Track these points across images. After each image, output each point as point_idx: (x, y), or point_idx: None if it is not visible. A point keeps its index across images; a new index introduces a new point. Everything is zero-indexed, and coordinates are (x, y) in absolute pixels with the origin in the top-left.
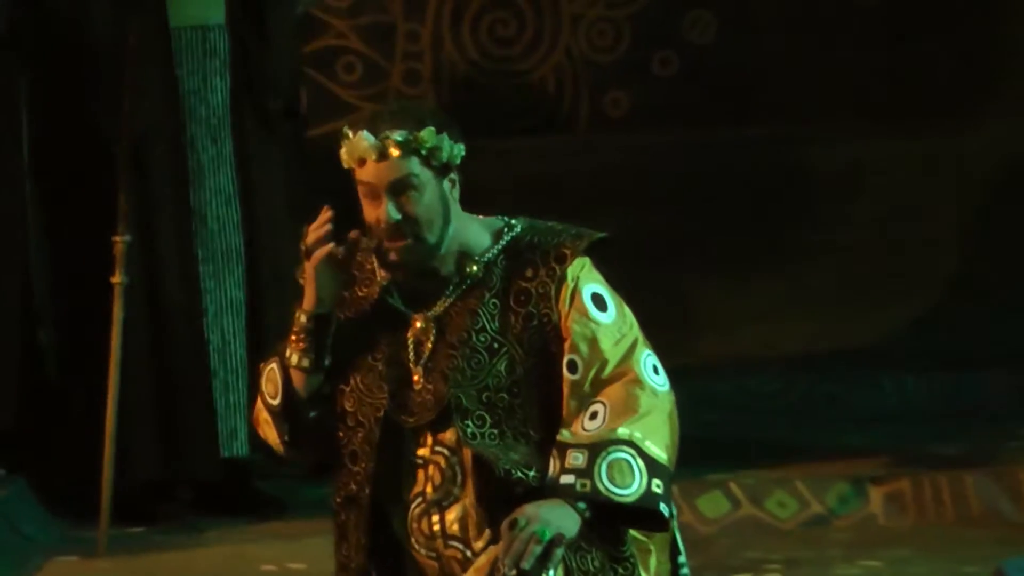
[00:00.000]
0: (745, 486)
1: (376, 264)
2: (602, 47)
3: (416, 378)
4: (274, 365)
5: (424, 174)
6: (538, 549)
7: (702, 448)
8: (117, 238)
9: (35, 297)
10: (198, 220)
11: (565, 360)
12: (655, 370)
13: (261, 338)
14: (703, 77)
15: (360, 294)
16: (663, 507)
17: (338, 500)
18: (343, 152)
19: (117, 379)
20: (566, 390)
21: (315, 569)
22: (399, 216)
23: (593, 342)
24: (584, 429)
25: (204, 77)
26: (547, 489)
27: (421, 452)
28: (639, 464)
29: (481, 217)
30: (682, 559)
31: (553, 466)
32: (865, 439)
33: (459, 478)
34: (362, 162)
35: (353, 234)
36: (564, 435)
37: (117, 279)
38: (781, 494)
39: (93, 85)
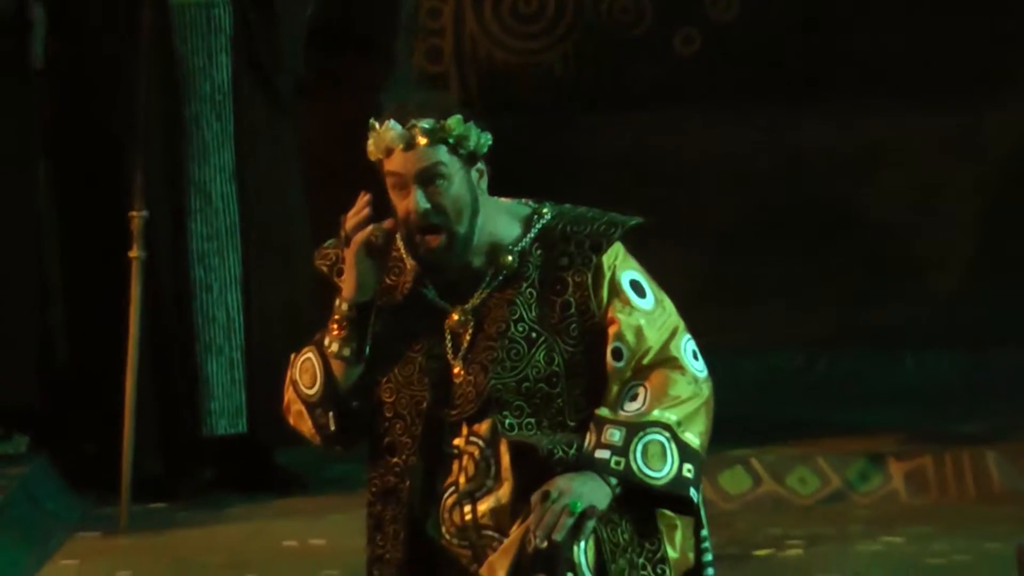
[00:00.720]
0: (767, 463)
1: (404, 252)
2: (624, 24)
3: (456, 371)
4: (310, 355)
5: (452, 163)
6: (570, 521)
7: (724, 425)
8: (134, 213)
9: (47, 274)
10: (202, 197)
11: (610, 348)
12: (695, 356)
13: (261, 316)
14: (726, 55)
15: (389, 282)
16: (692, 492)
17: (373, 491)
18: (370, 144)
19: (136, 354)
20: (609, 375)
21: (336, 545)
22: (428, 205)
23: (638, 330)
24: (623, 409)
25: (209, 54)
26: (581, 461)
27: (456, 443)
28: (673, 448)
29: (507, 201)
30: (704, 533)
31: (589, 439)
32: (886, 416)
33: (493, 470)
34: (389, 152)
35: (388, 222)
36: (603, 411)
37: (135, 254)
38: (803, 471)
39: (103, 65)
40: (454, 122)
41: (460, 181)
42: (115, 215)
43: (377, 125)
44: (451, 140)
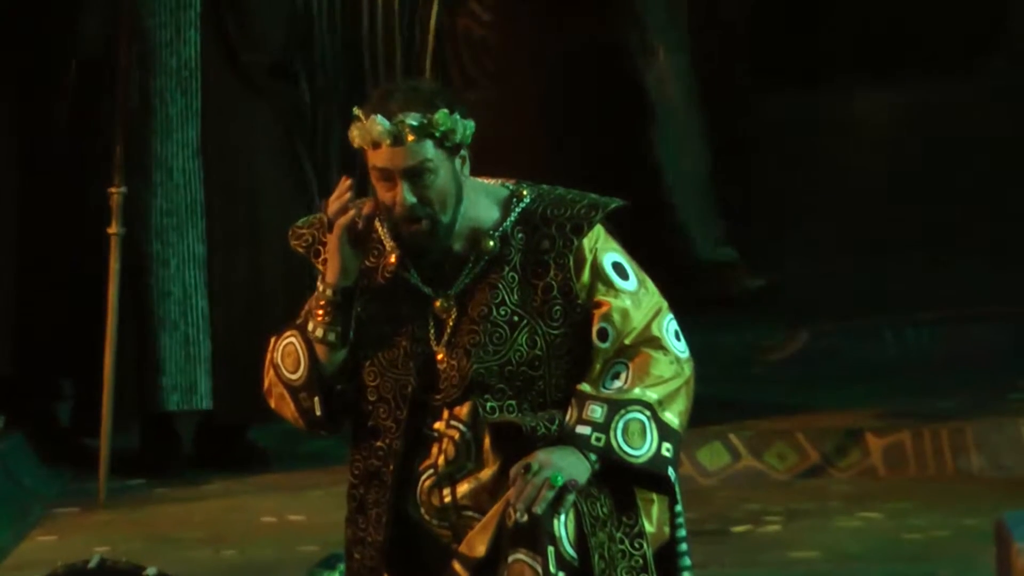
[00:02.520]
0: (745, 438)
1: (383, 234)
2: None
3: (440, 356)
4: (292, 339)
5: (438, 157)
6: (550, 494)
7: (702, 400)
8: (114, 189)
9: (26, 248)
10: (163, 172)
11: (596, 328)
12: (677, 336)
13: (224, 294)
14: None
15: (369, 263)
16: (670, 471)
17: (356, 474)
18: (355, 133)
19: (115, 329)
20: (593, 355)
21: (314, 521)
22: (415, 199)
23: (625, 312)
24: (604, 387)
25: (177, 28)
26: (562, 436)
27: (437, 426)
28: (652, 427)
29: (486, 183)
30: (679, 508)
31: (570, 414)
32: (865, 391)
33: (474, 452)
34: (376, 145)
35: (368, 206)
36: (585, 387)
37: (114, 230)
38: (781, 446)
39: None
40: (441, 117)
41: (445, 173)
42: (87, 189)
43: (363, 116)
44: (438, 135)
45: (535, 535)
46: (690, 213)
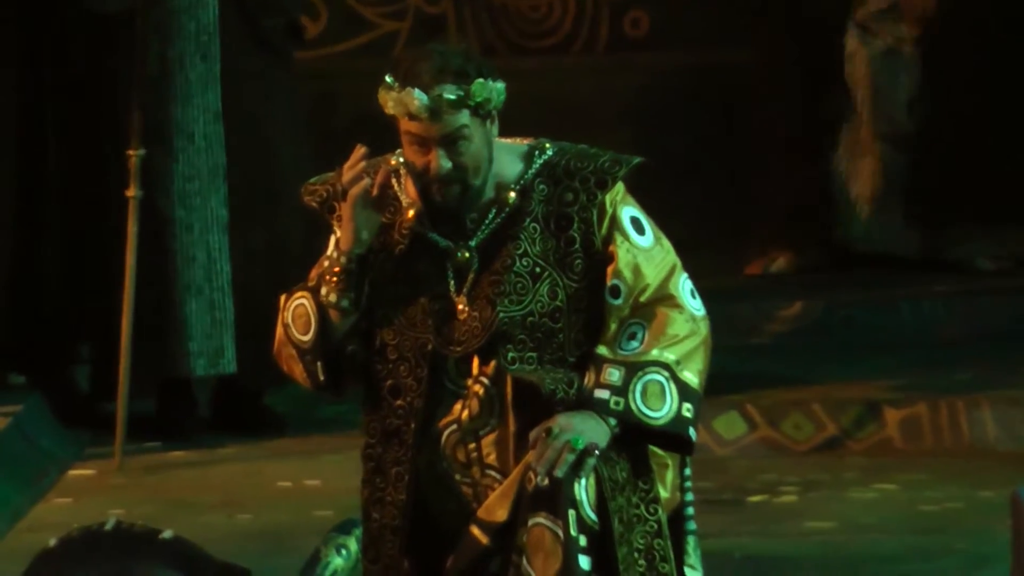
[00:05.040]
0: (761, 408)
1: (399, 190)
2: None
3: (460, 307)
4: (304, 301)
5: (473, 123)
6: (571, 457)
7: (718, 369)
8: (131, 152)
9: (39, 211)
10: (185, 137)
11: (608, 285)
12: (692, 294)
13: (246, 258)
14: None
15: (385, 220)
16: (691, 431)
17: (373, 433)
18: (388, 101)
19: (132, 293)
20: (607, 313)
21: (331, 486)
22: (450, 165)
23: (636, 267)
24: (621, 348)
25: None
26: (580, 400)
27: (459, 381)
28: (672, 388)
29: (507, 141)
30: (688, 472)
31: (588, 378)
32: (882, 362)
33: (497, 408)
34: (412, 117)
35: (381, 176)
36: (602, 350)
37: (132, 192)
38: (797, 416)
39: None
40: (477, 87)
41: (480, 138)
42: (107, 153)
43: (397, 87)
44: (473, 104)
45: (555, 499)
46: None
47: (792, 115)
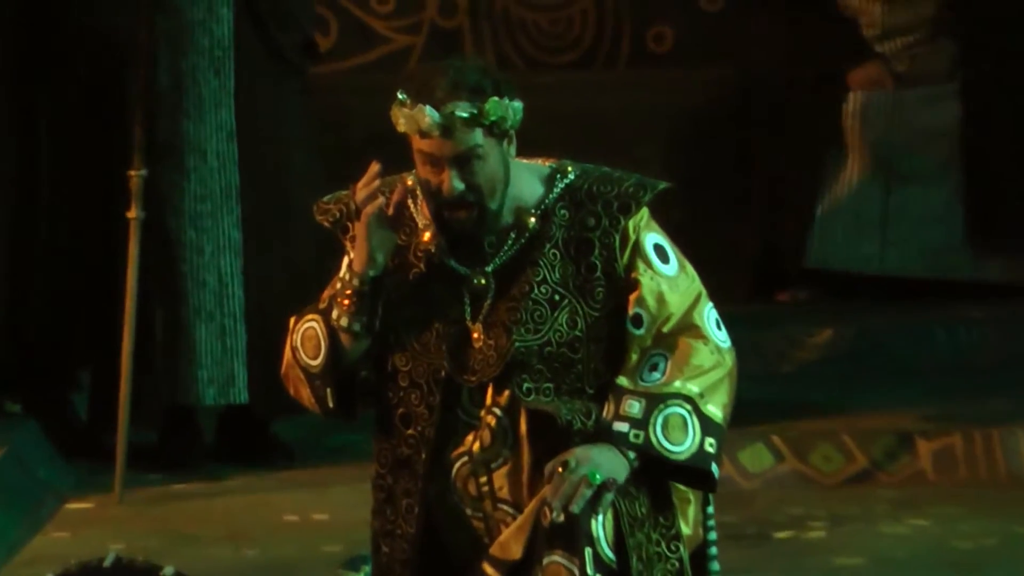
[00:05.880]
0: (788, 439)
1: (415, 211)
2: None
3: (476, 335)
4: (313, 324)
5: (488, 143)
6: (588, 492)
7: (744, 398)
8: (133, 172)
9: (36, 231)
10: (197, 156)
11: (630, 314)
12: (718, 325)
13: (260, 282)
14: (748, 12)
15: (400, 241)
16: (714, 467)
17: (383, 462)
18: (399, 119)
19: (133, 317)
20: (628, 343)
21: (340, 519)
22: (463, 186)
23: (660, 296)
24: (642, 379)
25: (209, 6)
26: (599, 432)
27: (473, 411)
28: (694, 421)
29: (527, 162)
30: (710, 510)
31: (607, 410)
32: (914, 391)
33: (510, 439)
34: (423, 134)
35: (397, 195)
36: (622, 380)
37: (133, 214)
38: (826, 448)
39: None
40: (492, 106)
41: (495, 158)
42: (108, 172)
43: (408, 103)
44: (488, 123)
45: (572, 535)
46: None
47: (823, 133)
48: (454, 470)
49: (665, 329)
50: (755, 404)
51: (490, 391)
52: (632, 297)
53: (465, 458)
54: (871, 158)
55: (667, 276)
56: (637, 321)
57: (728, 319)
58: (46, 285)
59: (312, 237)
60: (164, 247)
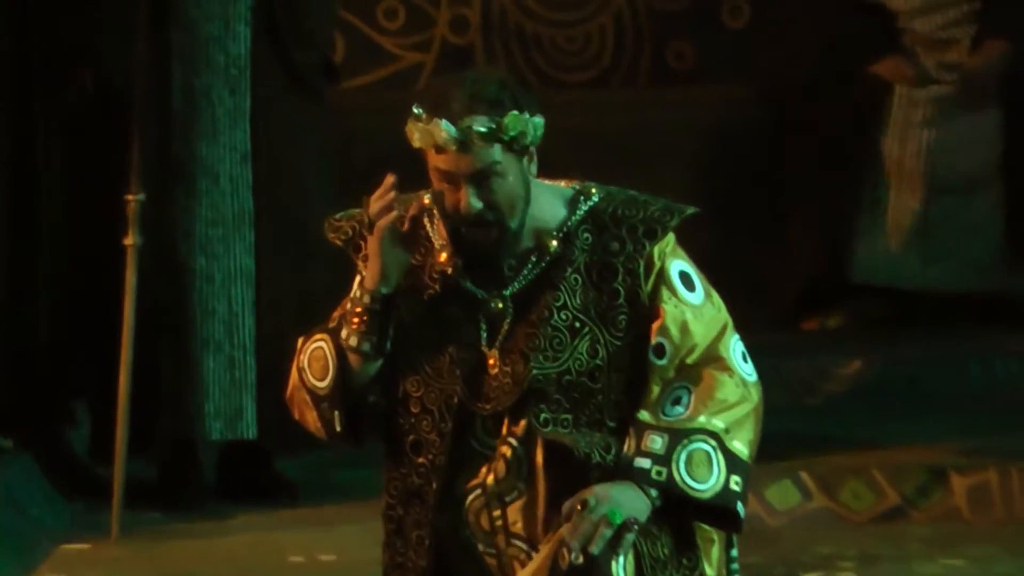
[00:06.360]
0: (817, 475)
1: (431, 230)
2: None
3: (492, 361)
4: (322, 344)
5: (507, 159)
6: (608, 532)
7: (770, 432)
8: (130, 197)
9: (41, 258)
10: (209, 179)
11: (652, 343)
12: (744, 357)
13: (273, 311)
14: (774, 28)
15: (415, 262)
16: (739, 506)
17: (393, 493)
18: (415, 133)
19: (130, 349)
20: (650, 374)
21: (347, 559)
22: (480, 205)
23: (684, 325)
24: (665, 414)
25: (226, 22)
26: (619, 469)
27: (487, 441)
28: (719, 458)
29: (549, 183)
30: (734, 552)
31: (628, 445)
32: (948, 424)
33: (526, 471)
34: (439, 149)
35: (413, 210)
36: (643, 415)
37: (130, 241)
38: (856, 484)
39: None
40: (511, 120)
41: (514, 176)
42: (108, 197)
43: (424, 117)
44: (507, 139)
45: None
46: None
47: (858, 147)
48: (467, 502)
49: (689, 360)
50: (781, 438)
51: (505, 420)
52: (655, 326)
53: (478, 490)
54: (910, 169)
55: (692, 305)
56: (659, 351)
57: (752, 348)
58: (41, 313)
59: (331, 265)
60: (172, 274)
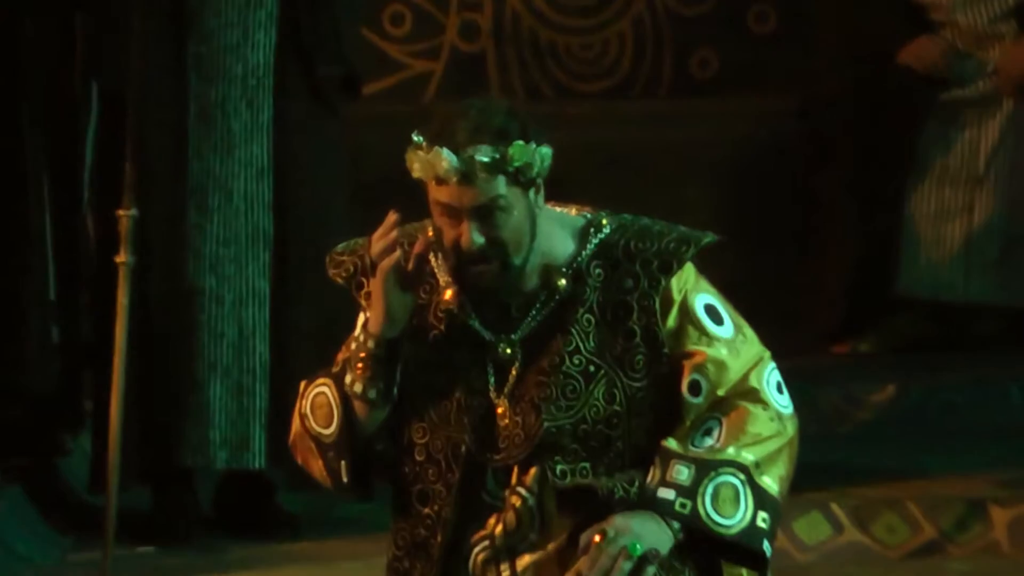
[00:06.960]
0: (848, 507)
1: (438, 267)
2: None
3: (501, 410)
4: (325, 390)
5: (512, 193)
6: (628, 566)
7: (799, 462)
8: (122, 212)
9: (32, 281)
10: (222, 195)
11: (686, 380)
12: (779, 389)
13: (288, 336)
14: (803, 34)
15: (420, 300)
16: (766, 545)
17: (400, 544)
18: (414, 163)
19: (122, 373)
20: (684, 412)
21: None
22: (482, 240)
23: (720, 363)
24: (694, 444)
25: (245, 31)
26: (641, 498)
27: (497, 491)
28: (747, 493)
29: (559, 211)
30: None
31: (652, 474)
32: (987, 454)
33: (538, 522)
34: (440, 181)
35: (419, 247)
36: (671, 443)
37: (122, 258)
38: (890, 517)
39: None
40: (516, 150)
41: (520, 210)
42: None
43: (424, 146)
44: (511, 170)
45: None
46: None
47: (887, 159)
48: (473, 557)
49: (721, 392)
50: (811, 468)
51: (515, 468)
52: (689, 364)
53: (486, 543)
54: (951, 178)
55: (725, 339)
56: (695, 389)
57: (782, 374)
58: (32, 335)
59: (347, 291)
60: (179, 294)
